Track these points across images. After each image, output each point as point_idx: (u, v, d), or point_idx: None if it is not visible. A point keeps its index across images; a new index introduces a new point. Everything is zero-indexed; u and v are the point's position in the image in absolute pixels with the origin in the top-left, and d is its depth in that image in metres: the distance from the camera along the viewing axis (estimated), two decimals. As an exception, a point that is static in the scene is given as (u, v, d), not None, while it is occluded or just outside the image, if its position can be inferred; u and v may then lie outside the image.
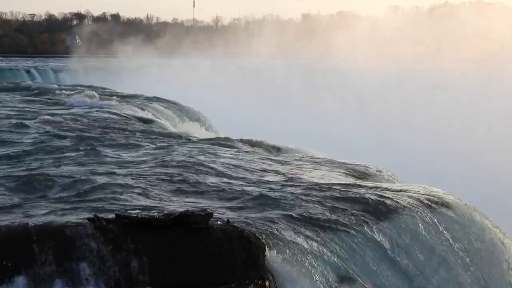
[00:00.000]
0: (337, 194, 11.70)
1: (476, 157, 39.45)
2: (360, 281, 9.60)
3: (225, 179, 12.75)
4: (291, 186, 12.48)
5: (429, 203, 11.91)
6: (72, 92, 32.42)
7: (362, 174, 14.63)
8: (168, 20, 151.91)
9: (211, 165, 14.10)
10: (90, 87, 37.95)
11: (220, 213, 9.91)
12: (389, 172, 15.58)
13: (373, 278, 9.84)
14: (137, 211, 9.00)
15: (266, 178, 13.09)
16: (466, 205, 12.55)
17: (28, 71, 64.53)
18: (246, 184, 12.49)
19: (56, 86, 37.38)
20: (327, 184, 12.67)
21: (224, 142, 17.87)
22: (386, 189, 12.51)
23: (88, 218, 8.60)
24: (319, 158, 16.39)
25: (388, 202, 11.49)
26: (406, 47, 74.50)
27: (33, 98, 30.01)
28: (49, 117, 21.03)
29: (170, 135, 19.24)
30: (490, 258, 11.77)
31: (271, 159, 15.64)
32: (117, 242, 8.28)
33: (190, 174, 12.94)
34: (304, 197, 11.48)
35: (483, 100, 56.00)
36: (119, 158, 14.71)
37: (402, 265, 10.35)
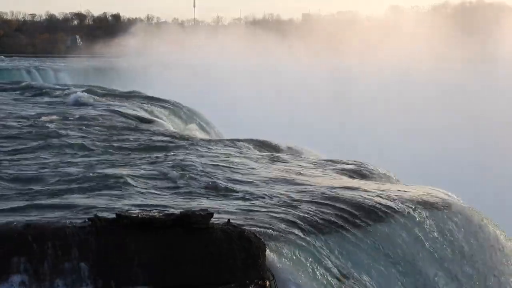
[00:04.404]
0: (337, 195, 11.70)
1: (478, 157, 39.47)
2: (359, 281, 9.60)
3: (224, 180, 12.75)
4: (290, 186, 12.48)
5: (430, 203, 11.91)
6: (71, 92, 32.37)
7: (363, 175, 14.63)
8: (168, 20, 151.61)
9: (211, 165, 14.09)
10: (90, 86, 37.89)
11: (220, 213, 9.91)
12: (390, 172, 15.57)
13: (372, 278, 9.85)
14: (137, 211, 9.00)
15: (266, 179, 13.09)
16: (467, 206, 12.55)
17: (28, 71, 64.51)
18: (246, 184, 12.49)
19: (56, 86, 37.33)
20: (327, 184, 12.68)
21: (224, 142, 17.87)
22: (387, 190, 12.51)
23: (88, 218, 8.60)
24: (319, 158, 16.38)
25: (389, 203, 11.50)
26: (406, 46, 74.55)
27: (33, 98, 30.00)
28: (48, 117, 21.02)
29: (169, 135, 19.22)
30: (489, 259, 11.76)
31: (270, 159, 15.64)
32: (117, 242, 8.28)
33: (190, 174, 12.93)
34: (304, 197, 11.48)
35: (482, 99, 56.01)
36: (119, 158, 14.71)
37: (402, 266, 10.36)
